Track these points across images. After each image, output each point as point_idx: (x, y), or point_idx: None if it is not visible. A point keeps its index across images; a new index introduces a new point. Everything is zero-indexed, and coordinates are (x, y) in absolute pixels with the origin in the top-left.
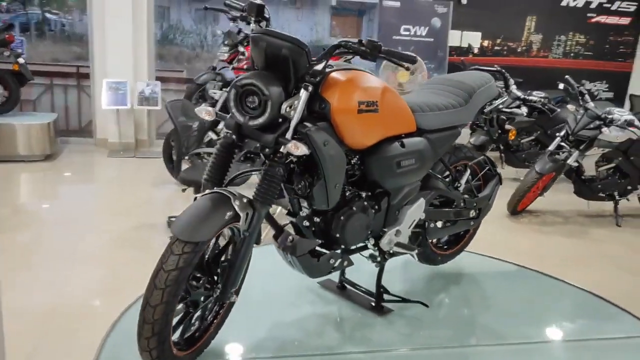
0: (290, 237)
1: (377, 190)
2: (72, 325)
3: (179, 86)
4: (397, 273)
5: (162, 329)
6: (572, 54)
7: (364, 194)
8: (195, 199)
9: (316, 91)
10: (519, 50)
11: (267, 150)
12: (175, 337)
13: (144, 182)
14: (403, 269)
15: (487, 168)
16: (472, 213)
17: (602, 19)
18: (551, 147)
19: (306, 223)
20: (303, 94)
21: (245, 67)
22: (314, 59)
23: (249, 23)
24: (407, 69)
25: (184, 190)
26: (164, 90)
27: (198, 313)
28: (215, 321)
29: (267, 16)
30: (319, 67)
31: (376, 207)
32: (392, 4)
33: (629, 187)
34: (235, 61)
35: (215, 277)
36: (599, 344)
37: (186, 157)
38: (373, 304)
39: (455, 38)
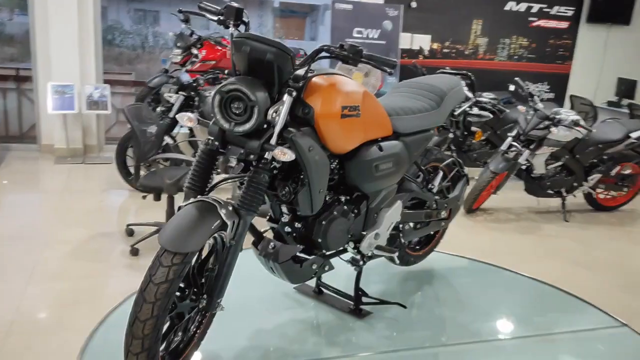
0: (272, 244)
1: (356, 194)
2: (30, 342)
3: (127, 89)
4: (371, 275)
5: (152, 345)
6: (515, 57)
7: (343, 198)
8: (179, 208)
9: (299, 96)
10: (466, 52)
11: (251, 157)
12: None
13: (95, 189)
14: (375, 271)
15: (455, 169)
16: (444, 214)
17: (543, 22)
18: (503, 147)
19: (288, 229)
20: (287, 99)
21: (198, 69)
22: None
23: (227, 27)
24: (390, 73)
25: (144, 197)
26: (111, 93)
27: (182, 325)
28: (198, 332)
29: (246, 20)
30: (301, 71)
31: (355, 210)
32: (344, 7)
33: (575, 184)
34: (188, 63)
35: (199, 288)
36: (570, 336)
37: (144, 163)
38: (352, 307)
39: (406, 40)
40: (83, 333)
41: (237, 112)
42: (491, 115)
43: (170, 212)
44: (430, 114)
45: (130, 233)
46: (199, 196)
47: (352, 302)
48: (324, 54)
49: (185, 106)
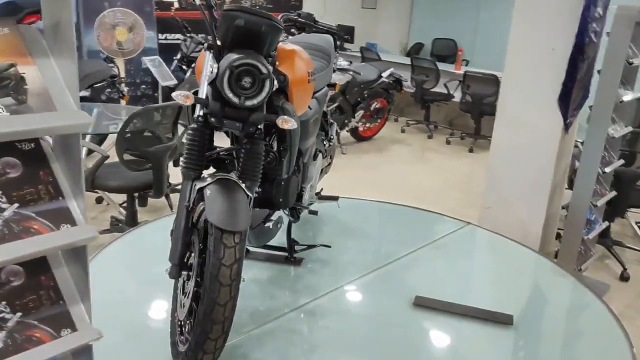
0: None
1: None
2: None
3: None
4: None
5: (230, 326)
6: (257, 7)
7: None
8: (190, 187)
9: (274, 65)
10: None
11: (251, 129)
12: None
13: None
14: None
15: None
16: (329, 160)
17: None
18: None
19: (255, 195)
20: (271, 70)
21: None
22: None
23: None
24: (347, 40)
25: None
26: None
27: None
28: None
29: None
30: None
31: (296, 167)
32: None
33: (346, 121)
34: None
35: None
36: (439, 242)
37: None
38: (287, 256)
39: None
40: None
41: (247, 86)
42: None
43: None
44: (326, 72)
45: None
46: (216, 174)
47: (285, 253)
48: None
49: None
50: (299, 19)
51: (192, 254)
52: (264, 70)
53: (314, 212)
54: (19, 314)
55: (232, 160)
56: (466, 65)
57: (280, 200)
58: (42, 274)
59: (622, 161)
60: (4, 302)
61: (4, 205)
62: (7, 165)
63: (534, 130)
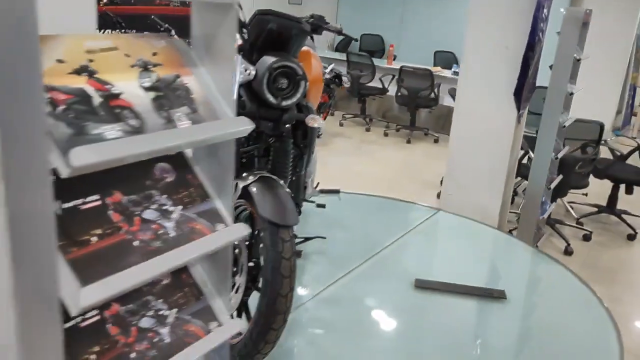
0: None
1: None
2: None
3: None
4: None
5: (288, 315)
6: (187, 2)
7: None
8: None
9: None
10: None
11: (281, 128)
12: None
13: None
14: None
15: None
16: None
17: None
18: None
19: None
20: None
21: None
22: None
23: None
24: (356, 40)
25: None
26: None
27: None
28: None
29: None
30: None
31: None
32: None
33: None
34: None
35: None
36: (418, 229)
37: None
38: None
39: None
40: None
41: (283, 87)
42: None
43: None
44: None
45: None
46: (256, 172)
47: None
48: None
49: None
50: (313, 21)
51: (235, 250)
52: (300, 72)
53: (322, 206)
54: (174, 309)
55: (250, 159)
56: (394, 59)
57: (294, 195)
58: (182, 272)
59: (568, 147)
60: (160, 300)
61: (170, 208)
62: (163, 170)
63: (490, 122)
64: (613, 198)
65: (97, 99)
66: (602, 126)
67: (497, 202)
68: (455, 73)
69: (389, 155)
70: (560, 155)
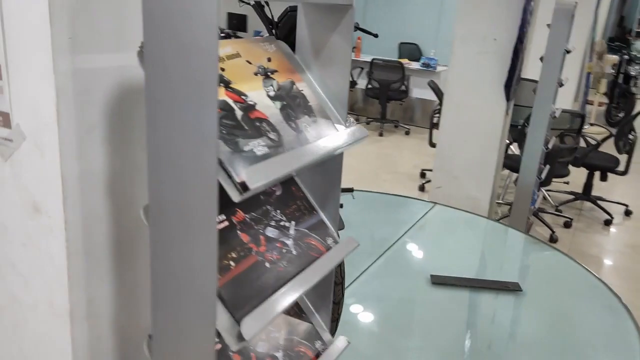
0: None
1: None
2: None
3: None
4: None
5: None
6: None
7: None
8: None
9: None
10: None
11: None
12: None
13: None
14: None
15: None
16: None
17: None
18: None
19: None
20: None
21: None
22: None
23: None
24: (376, 36)
25: None
26: None
27: None
28: None
29: None
30: None
31: None
32: None
33: None
34: None
35: None
36: (420, 223)
37: None
38: None
39: None
40: None
41: None
42: None
43: None
44: None
45: None
46: None
47: None
48: None
49: None
50: None
51: None
52: None
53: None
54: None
55: None
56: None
57: None
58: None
59: (554, 138)
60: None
61: (287, 224)
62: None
63: (479, 114)
64: (588, 185)
65: (238, 112)
66: (583, 117)
67: (487, 193)
68: (424, 65)
69: (363, 148)
70: (550, 146)
